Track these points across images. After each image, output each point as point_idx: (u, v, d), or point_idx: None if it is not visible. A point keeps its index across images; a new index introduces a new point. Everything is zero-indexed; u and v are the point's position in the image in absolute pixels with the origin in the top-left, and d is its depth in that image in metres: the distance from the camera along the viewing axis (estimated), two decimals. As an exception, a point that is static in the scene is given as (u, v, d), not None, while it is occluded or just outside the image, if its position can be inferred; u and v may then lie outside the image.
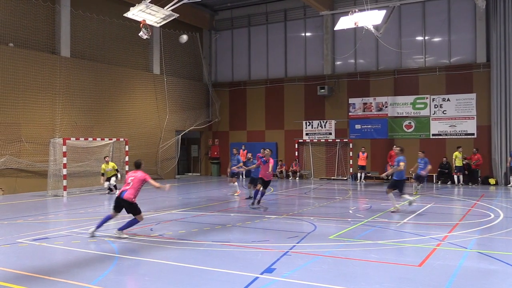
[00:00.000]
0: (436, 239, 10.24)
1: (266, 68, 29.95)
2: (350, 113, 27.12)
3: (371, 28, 19.88)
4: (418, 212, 14.25)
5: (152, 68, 27.10)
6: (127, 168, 21.79)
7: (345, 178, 27.00)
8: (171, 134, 27.77)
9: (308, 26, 28.69)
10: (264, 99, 29.73)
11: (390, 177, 15.77)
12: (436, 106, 24.91)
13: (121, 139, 22.18)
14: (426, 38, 25.49)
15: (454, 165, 23.18)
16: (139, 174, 10.63)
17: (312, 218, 13.13)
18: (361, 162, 25.50)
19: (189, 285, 7.08)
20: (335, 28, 21.59)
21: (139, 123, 25.63)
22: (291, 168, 28.03)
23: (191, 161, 32.28)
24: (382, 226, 11.97)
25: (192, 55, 30.12)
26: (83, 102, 22.48)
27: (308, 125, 28.32)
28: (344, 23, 19.11)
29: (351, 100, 27.06)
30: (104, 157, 19.89)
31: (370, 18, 18.84)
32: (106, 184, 19.49)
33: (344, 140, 27.18)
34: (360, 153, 25.58)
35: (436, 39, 25.33)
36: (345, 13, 19.80)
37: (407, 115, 25.64)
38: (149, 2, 15.01)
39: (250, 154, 19.68)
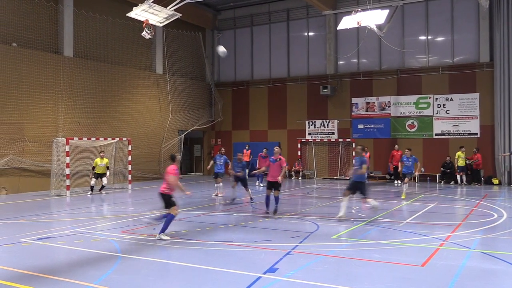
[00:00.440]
0: (439, 239, 10.22)
1: (268, 67, 29.94)
2: (353, 113, 27.09)
3: (374, 27, 19.86)
4: (421, 212, 14.22)
5: (155, 68, 27.12)
6: (130, 167, 21.83)
7: (348, 178, 26.90)
8: (173, 134, 27.80)
9: (311, 25, 28.67)
10: (266, 98, 29.72)
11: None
12: (439, 106, 24.86)
13: (124, 139, 22.20)
14: (429, 37, 25.43)
15: (456, 165, 23.14)
16: (169, 168, 10.73)
17: (314, 218, 13.12)
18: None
19: (192, 284, 7.08)
20: (337, 28, 21.60)
21: (142, 122, 25.65)
22: (293, 168, 28.01)
23: (193, 160, 32.29)
24: (385, 226, 11.95)
25: (195, 55, 30.14)
26: (86, 101, 22.52)
27: (311, 125, 28.30)
28: (347, 22, 19.10)
29: (354, 100, 27.03)
30: (100, 152, 19.90)
31: (373, 18, 18.82)
32: (93, 181, 19.31)
33: (347, 139, 27.15)
34: (363, 153, 25.46)
35: (439, 39, 25.28)
36: (348, 13, 19.80)
37: (410, 114, 25.59)
38: (152, 2, 15.03)
39: (241, 154, 18.15)
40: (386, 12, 19.28)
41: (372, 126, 26.50)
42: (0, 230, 11.32)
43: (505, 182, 22.89)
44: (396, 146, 24.30)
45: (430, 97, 25.08)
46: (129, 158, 21.89)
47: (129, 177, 21.80)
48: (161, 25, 16.49)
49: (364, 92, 26.72)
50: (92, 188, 19.43)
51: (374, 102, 26.50)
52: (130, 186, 21.57)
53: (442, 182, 24.06)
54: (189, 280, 7.32)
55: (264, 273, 7.46)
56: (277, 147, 14.42)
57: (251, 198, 16.72)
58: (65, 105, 21.50)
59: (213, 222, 12.55)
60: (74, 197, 18.51)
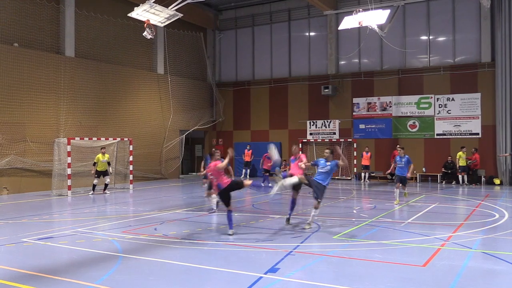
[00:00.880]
0: (440, 239, 10.21)
1: (270, 67, 29.94)
2: (354, 113, 27.08)
3: (375, 27, 19.85)
4: (422, 212, 14.21)
5: (156, 68, 27.14)
6: (131, 167, 21.83)
7: (349, 178, 26.96)
8: (175, 134, 27.81)
9: (312, 25, 28.66)
10: (268, 98, 29.72)
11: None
12: (440, 106, 24.84)
13: (125, 139, 22.22)
14: (431, 37, 25.41)
15: (458, 165, 23.14)
16: (212, 164, 10.91)
17: (316, 218, 13.09)
18: (365, 161, 25.45)
19: (193, 284, 7.09)
20: (339, 28, 21.58)
21: (143, 122, 25.67)
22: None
23: (195, 160, 32.30)
24: (386, 226, 11.94)
25: (196, 55, 30.15)
26: (87, 102, 22.54)
27: (312, 125, 28.30)
28: (348, 22, 19.10)
29: (355, 100, 27.02)
30: (101, 148, 19.85)
31: (374, 18, 18.81)
32: (96, 181, 19.27)
33: (348, 140, 27.14)
34: (364, 153, 25.53)
35: (441, 39, 25.25)
36: (349, 13, 19.80)
37: (411, 114, 25.57)
38: (153, 2, 15.04)
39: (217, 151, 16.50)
40: (387, 12, 19.27)
41: (374, 126, 26.48)
42: (2, 230, 11.34)
43: (507, 182, 22.85)
44: (398, 146, 24.23)
45: (431, 97, 25.05)
46: (131, 158, 21.90)
47: (131, 177, 21.81)
48: (162, 25, 16.50)
49: (365, 92, 26.70)
50: (94, 187, 19.41)
51: (375, 102, 26.48)
52: (131, 186, 21.58)
53: (444, 182, 24.04)
54: (190, 280, 7.32)
55: (265, 273, 7.46)
56: (295, 146, 14.14)
57: (215, 207, 14.17)
58: (67, 105, 21.52)
59: (215, 222, 12.56)
60: (75, 197, 18.52)
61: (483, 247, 9.58)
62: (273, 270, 7.67)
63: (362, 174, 25.73)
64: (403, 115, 25.78)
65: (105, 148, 20.00)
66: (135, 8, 15.36)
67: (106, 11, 23.66)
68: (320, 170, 11.71)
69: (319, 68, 28.26)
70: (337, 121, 27.53)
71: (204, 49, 30.60)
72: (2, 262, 8.30)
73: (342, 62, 27.68)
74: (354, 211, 14.66)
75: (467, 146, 23.18)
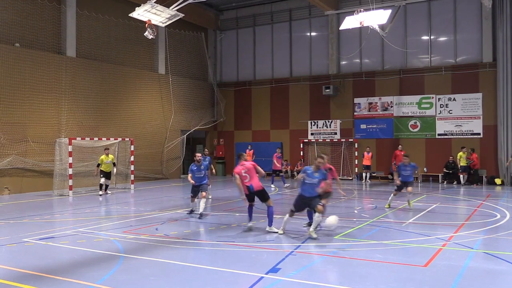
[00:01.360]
0: (442, 239, 10.20)
1: (271, 67, 29.94)
2: (355, 113, 27.07)
3: (376, 27, 19.84)
4: (423, 212, 14.20)
5: (158, 68, 27.15)
6: (132, 167, 21.85)
7: (350, 178, 26.95)
8: (176, 134, 27.82)
9: (313, 25, 28.65)
10: (269, 99, 29.72)
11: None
12: (441, 106, 24.82)
13: (127, 139, 22.23)
14: (432, 37, 25.39)
15: (459, 165, 23.13)
16: (248, 164, 11.10)
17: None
18: (366, 162, 25.45)
19: (194, 284, 7.09)
20: (340, 28, 21.57)
21: (144, 122, 25.68)
22: (296, 168, 27.98)
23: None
24: (387, 226, 11.93)
25: (197, 55, 30.16)
26: (88, 102, 22.56)
27: (313, 125, 28.29)
28: (349, 22, 19.08)
29: (356, 100, 27.01)
30: (105, 148, 19.75)
31: (375, 18, 18.79)
32: (103, 180, 19.10)
33: (350, 140, 27.13)
34: (365, 153, 25.53)
35: (442, 39, 25.23)
36: (350, 13, 19.77)
37: (412, 114, 25.55)
38: (154, 2, 15.04)
39: (200, 154, 15.07)
40: (388, 12, 19.25)
41: (375, 126, 26.46)
42: (3, 230, 11.35)
43: (508, 183, 22.82)
44: (400, 146, 24.25)
45: (432, 97, 25.03)
46: (132, 158, 21.92)
47: (132, 177, 21.83)
48: (163, 25, 16.49)
49: (366, 92, 26.69)
50: (101, 186, 19.22)
51: (376, 102, 26.47)
52: (132, 186, 21.59)
53: (445, 182, 24.02)
54: (191, 280, 7.32)
55: (267, 273, 7.46)
56: (322, 155, 11.07)
57: (200, 214, 13.15)
58: (68, 105, 21.55)
59: (216, 222, 12.55)
60: (76, 197, 18.54)
61: (484, 247, 9.57)
62: (274, 270, 7.67)
63: (363, 174, 25.72)
64: (404, 115, 25.76)
65: (108, 149, 19.91)
66: (136, 8, 15.35)
67: (107, 11, 23.68)
68: (307, 181, 10.37)
69: (320, 68, 28.25)
70: (338, 121, 27.51)
71: (205, 49, 30.60)
72: (3, 262, 8.31)
73: (343, 62, 27.67)
74: (355, 211, 14.65)
75: (468, 146, 23.17)
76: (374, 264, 8.18)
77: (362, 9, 18.60)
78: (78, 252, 9.07)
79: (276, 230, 10.82)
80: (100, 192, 19.14)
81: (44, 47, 20.93)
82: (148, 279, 7.26)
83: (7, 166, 19.15)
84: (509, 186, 22.41)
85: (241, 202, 17.04)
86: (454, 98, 24.51)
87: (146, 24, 15.60)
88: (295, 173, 28.01)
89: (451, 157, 23.77)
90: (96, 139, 20.95)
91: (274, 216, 11.20)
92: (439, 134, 24.92)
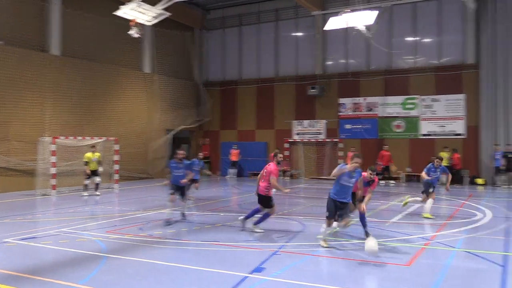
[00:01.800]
0: (424, 239, 10.31)
1: (257, 67, 29.94)
2: (340, 113, 27.19)
3: (362, 28, 19.96)
4: (407, 212, 14.32)
5: (143, 67, 26.99)
6: (117, 167, 21.67)
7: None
8: (161, 133, 27.67)
9: (300, 26, 28.72)
10: (255, 98, 29.74)
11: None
12: (425, 107, 25.05)
13: (111, 138, 22.05)
14: (417, 38, 25.61)
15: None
16: (271, 166, 10.82)
17: (301, 217, 13.15)
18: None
19: (178, 284, 7.07)
20: (324, 28, 21.66)
21: (129, 122, 25.49)
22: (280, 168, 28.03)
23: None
24: (371, 225, 11.99)
25: (184, 54, 30.03)
26: (72, 100, 22.32)
27: (299, 125, 28.36)
28: (334, 23, 19.21)
29: (341, 100, 27.13)
30: (91, 146, 19.40)
31: (361, 19, 18.93)
32: (88, 181, 18.67)
33: (335, 140, 27.24)
34: (349, 153, 25.63)
35: (427, 40, 25.46)
36: (336, 13, 19.89)
37: (397, 115, 25.75)
38: (140, 1, 14.98)
39: (183, 152, 13.08)
40: (374, 13, 19.39)
41: (360, 126, 26.62)
42: (-16, 230, 11.20)
43: (490, 183, 23.09)
44: (386, 146, 24.41)
45: (417, 98, 25.26)
46: (116, 158, 21.74)
47: (116, 176, 21.66)
48: (149, 23, 16.45)
49: (351, 92, 26.83)
50: (85, 187, 18.71)
51: (361, 103, 26.63)
52: (117, 185, 21.43)
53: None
54: (175, 280, 7.30)
55: (251, 273, 7.47)
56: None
57: (183, 214, 12.94)
58: (52, 104, 21.32)
59: (200, 222, 12.52)
60: (60, 197, 18.35)
61: (466, 246, 9.69)
62: (258, 269, 7.69)
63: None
64: (389, 115, 25.95)
65: (95, 146, 19.62)
66: (122, 6, 15.29)
67: (93, 9, 23.45)
68: (343, 182, 9.41)
69: (306, 68, 28.33)
70: (324, 121, 27.62)
71: (192, 48, 30.49)
72: (-16, 262, 8.20)
73: (329, 63, 27.78)
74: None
75: (451, 147, 23.41)
76: (357, 263, 8.23)
77: (348, 10, 18.73)
78: (61, 252, 8.98)
79: (259, 230, 10.81)
80: (85, 193, 18.61)
81: (28, 45, 20.66)
82: (131, 279, 7.23)
83: (-11, 165, 18.89)
84: (490, 187, 22.64)
85: (227, 202, 17.07)
86: (438, 99, 24.75)
87: (132, 23, 15.54)
88: (280, 172, 28.01)
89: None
90: (80, 138, 20.73)
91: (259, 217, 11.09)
92: (422, 135, 25.15)
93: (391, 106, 25.89)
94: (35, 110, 20.72)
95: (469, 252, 9.15)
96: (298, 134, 28.41)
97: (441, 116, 24.68)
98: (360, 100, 26.65)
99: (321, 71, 27.67)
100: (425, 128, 25.07)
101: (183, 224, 12.12)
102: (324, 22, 25.75)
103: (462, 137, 24.24)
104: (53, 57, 21.51)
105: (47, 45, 21.55)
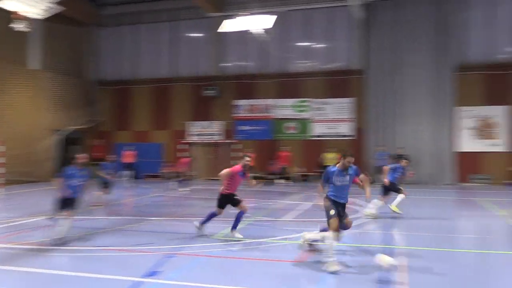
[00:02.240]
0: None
1: (154, 67, 29.39)
2: (236, 115, 27.61)
3: (258, 32, 20.43)
4: (299, 210, 14.89)
5: (30, 63, 25.35)
6: (2, 170, 20.18)
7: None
8: (50, 134, 26.19)
9: (198, 27, 28.66)
10: (151, 98, 29.21)
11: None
12: (316, 109, 26.25)
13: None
14: (309, 44, 26.74)
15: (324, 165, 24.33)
16: (235, 166, 10.59)
17: (193, 219, 13.16)
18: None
19: (68, 293, 6.81)
20: (220, 30, 21.83)
21: (15, 121, 23.77)
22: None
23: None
24: (264, 224, 12.36)
25: (76, 51, 28.68)
26: None
27: (195, 126, 28.34)
28: (231, 25, 19.49)
29: (237, 102, 27.57)
30: None
31: (256, 23, 19.38)
32: None
33: (230, 141, 27.58)
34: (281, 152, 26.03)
35: (318, 46, 26.66)
36: (234, 16, 20.15)
37: (290, 117, 26.73)
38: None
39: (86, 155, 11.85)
40: (269, 17, 19.95)
41: (255, 127, 27.25)
42: None
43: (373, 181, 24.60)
44: (284, 147, 25.28)
45: (308, 101, 26.39)
46: (3, 160, 20.24)
47: (1, 180, 20.18)
48: (40, 17, 15.52)
49: (247, 94, 27.37)
50: None
51: (256, 105, 27.27)
52: (2, 190, 19.97)
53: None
54: (64, 288, 7.02)
55: (145, 277, 7.39)
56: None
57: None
58: None
59: (93, 227, 12.06)
60: None
61: (352, 241, 10.32)
62: (153, 273, 7.62)
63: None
64: (282, 117, 26.84)
65: None
66: (5, -2, 14.33)
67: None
68: (338, 182, 8.57)
69: (203, 70, 28.36)
70: (220, 122, 27.86)
71: (85, 45, 29.22)
72: None
73: (226, 64, 28.06)
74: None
75: (339, 148, 24.63)
76: (253, 262, 8.48)
77: (245, 13, 19.06)
78: None
79: (239, 235, 10.44)
80: None
81: None
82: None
83: None
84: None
85: (121, 205, 16.60)
86: (328, 102, 26.06)
87: (14, 15, 14.59)
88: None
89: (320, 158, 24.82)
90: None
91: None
92: (313, 136, 26.34)
93: (284, 108, 26.81)
94: None
95: (357, 246, 9.77)
96: (194, 135, 28.37)
97: (331, 118, 26.03)
98: (255, 102, 27.28)
99: (217, 73, 27.87)
100: (317, 129, 26.29)
101: (73, 230, 11.62)
102: (222, 24, 26.04)
103: (350, 138, 25.70)
104: None
105: None
